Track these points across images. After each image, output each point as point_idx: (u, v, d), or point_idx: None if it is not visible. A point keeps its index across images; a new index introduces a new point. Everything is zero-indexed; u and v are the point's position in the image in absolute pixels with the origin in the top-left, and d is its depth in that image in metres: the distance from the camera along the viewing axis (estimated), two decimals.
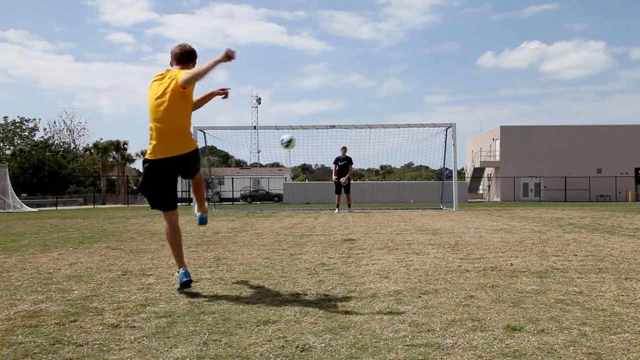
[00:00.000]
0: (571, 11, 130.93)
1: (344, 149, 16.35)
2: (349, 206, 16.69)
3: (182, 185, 39.68)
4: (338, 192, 16.40)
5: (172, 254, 3.98)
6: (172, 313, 3.20)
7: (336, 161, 16.41)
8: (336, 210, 16.22)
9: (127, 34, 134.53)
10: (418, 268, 4.84)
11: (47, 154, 56.06)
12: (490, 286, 3.97)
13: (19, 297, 3.68)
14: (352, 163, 16.42)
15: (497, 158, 46.57)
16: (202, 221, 4.48)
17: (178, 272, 3.90)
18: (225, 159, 75.57)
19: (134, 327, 2.89)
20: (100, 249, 6.68)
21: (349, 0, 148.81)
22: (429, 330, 2.79)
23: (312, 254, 5.92)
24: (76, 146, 66.79)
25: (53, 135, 65.34)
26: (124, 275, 4.61)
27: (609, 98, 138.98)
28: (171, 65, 4.09)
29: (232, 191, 43.38)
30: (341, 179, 16.13)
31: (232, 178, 44.79)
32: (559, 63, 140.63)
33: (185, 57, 4.07)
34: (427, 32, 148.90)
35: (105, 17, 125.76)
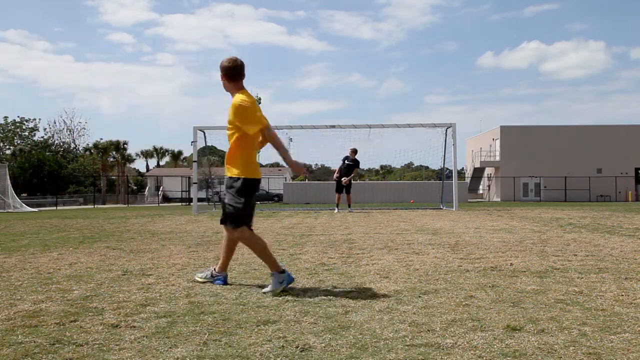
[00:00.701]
0: (571, 11, 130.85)
1: (354, 151, 16.00)
2: (349, 206, 16.65)
3: (182, 184, 39.61)
4: (339, 191, 16.21)
5: (267, 262, 3.96)
6: (172, 313, 3.20)
7: (344, 160, 16.09)
8: (336, 210, 16.18)
9: (127, 34, 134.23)
10: (418, 268, 4.85)
11: (47, 154, 56.07)
12: (490, 286, 3.97)
13: (19, 297, 3.68)
14: (358, 167, 16.25)
15: (497, 158, 46.58)
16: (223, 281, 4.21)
17: (279, 273, 3.85)
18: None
19: (134, 327, 2.89)
20: (100, 249, 6.68)
21: (349, 0, 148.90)
22: (429, 330, 2.79)
23: (312, 254, 5.92)
24: (76, 146, 66.83)
25: (53, 135, 65.38)
26: (124, 275, 4.61)
27: (609, 98, 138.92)
28: (222, 78, 4.04)
29: None
30: (343, 179, 15.95)
31: None
32: (559, 63, 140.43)
33: (237, 72, 4.00)
34: (427, 32, 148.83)
35: (105, 17, 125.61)
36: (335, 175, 16.33)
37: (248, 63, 4.04)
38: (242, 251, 6.28)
